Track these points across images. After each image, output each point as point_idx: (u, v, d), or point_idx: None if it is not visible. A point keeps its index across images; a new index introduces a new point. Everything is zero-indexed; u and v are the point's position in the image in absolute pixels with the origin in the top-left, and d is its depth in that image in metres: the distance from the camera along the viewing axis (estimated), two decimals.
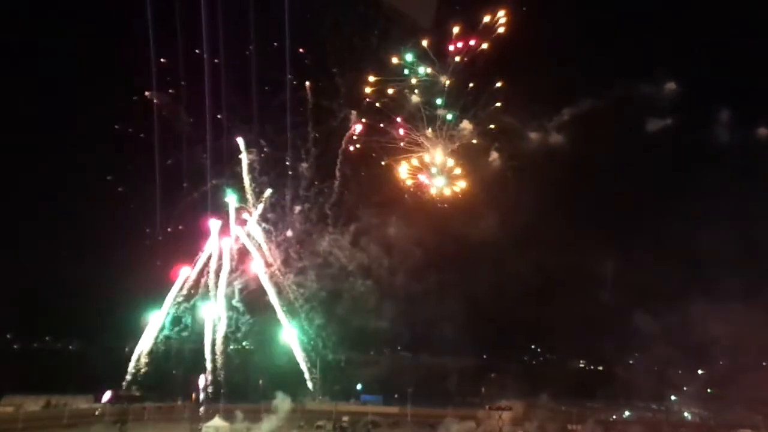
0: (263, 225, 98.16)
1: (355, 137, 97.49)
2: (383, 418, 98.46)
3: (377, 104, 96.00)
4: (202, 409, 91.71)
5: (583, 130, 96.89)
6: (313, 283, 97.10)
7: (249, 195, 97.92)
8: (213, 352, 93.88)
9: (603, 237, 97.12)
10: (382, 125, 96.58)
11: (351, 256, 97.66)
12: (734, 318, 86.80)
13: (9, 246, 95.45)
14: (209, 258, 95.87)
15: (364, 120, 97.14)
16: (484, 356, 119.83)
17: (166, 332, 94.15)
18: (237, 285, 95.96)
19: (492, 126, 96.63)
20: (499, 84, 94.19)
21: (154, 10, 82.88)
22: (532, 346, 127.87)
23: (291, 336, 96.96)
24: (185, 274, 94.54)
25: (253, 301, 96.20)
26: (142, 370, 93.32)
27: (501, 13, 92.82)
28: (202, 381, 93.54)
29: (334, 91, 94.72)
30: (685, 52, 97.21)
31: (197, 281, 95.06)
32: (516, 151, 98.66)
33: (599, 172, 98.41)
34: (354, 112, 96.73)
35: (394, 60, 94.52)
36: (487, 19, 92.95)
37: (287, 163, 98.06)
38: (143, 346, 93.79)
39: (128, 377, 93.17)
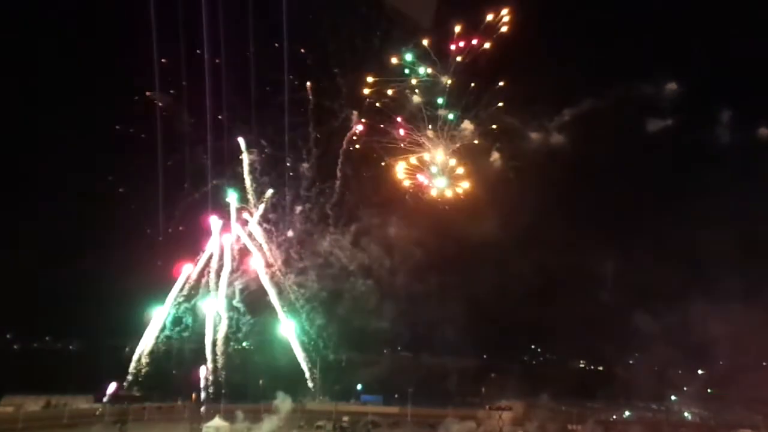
0: (264, 225, 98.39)
1: (356, 137, 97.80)
2: (383, 418, 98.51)
3: (378, 104, 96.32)
4: (203, 408, 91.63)
5: (583, 130, 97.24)
6: (313, 284, 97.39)
7: (250, 195, 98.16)
8: (214, 352, 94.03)
9: (603, 237, 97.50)
10: (383, 125, 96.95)
11: (352, 256, 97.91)
12: (734, 318, 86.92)
13: (9, 246, 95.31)
14: (210, 257, 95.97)
15: (365, 120, 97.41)
16: (485, 356, 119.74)
17: (166, 332, 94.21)
18: (238, 285, 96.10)
19: (494, 126, 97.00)
20: (500, 84, 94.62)
21: (155, 10, 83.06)
22: (533, 346, 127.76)
23: (291, 336, 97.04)
24: (187, 271, 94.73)
25: (253, 301, 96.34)
26: (143, 370, 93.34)
27: (504, 11, 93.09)
28: (202, 381, 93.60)
29: (335, 91, 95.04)
30: (685, 52, 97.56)
31: (198, 281, 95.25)
32: (517, 152, 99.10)
33: (600, 172, 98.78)
34: (355, 113, 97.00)
35: (396, 60, 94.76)
36: (490, 17, 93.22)
37: (288, 163, 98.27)
38: (144, 346, 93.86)
39: (129, 377, 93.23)
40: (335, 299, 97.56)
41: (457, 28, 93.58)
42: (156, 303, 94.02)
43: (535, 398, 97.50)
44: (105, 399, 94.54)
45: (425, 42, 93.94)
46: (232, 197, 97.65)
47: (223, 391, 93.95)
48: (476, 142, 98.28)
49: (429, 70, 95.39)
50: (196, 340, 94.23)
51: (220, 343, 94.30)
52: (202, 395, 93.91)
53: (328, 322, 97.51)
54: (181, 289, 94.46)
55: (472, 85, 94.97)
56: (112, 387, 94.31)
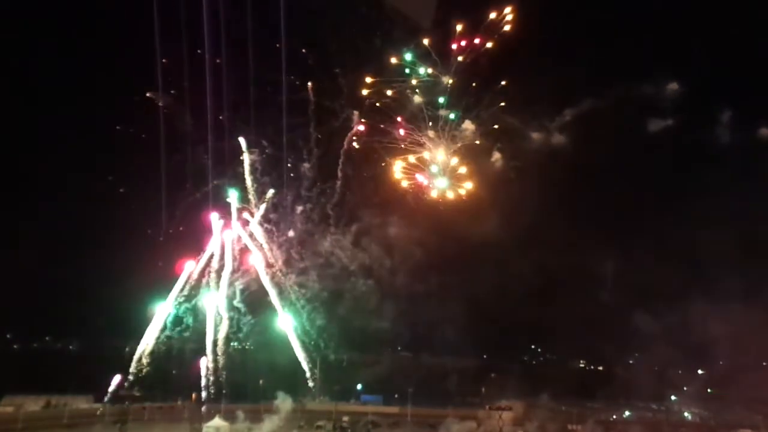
0: (265, 225, 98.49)
1: (357, 138, 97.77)
2: (383, 418, 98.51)
3: (379, 104, 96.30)
4: (203, 408, 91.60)
5: (584, 130, 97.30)
6: (314, 284, 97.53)
7: (251, 195, 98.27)
8: (214, 352, 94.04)
9: (604, 237, 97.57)
10: (384, 126, 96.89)
11: (352, 256, 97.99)
12: (734, 318, 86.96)
13: (9, 246, 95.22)
14: (211, 257, 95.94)
15: (365, 120, 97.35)
16: (485, 356, 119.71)
17: (167, 332, 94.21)
18: (238, 285, 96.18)
19: (495, 126, 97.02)
20: (502, 83, 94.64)
21: (156, 10, 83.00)
22: (533, 346, 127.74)
23: (291, 336, 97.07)
24: (189, 268, 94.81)
25: (254, 301, 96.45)
26: (143, 370, 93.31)
27: (507, 9, 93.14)
28: (203, 380, 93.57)
29: (336, 91, 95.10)
30: (685, 52, 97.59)
31: (199, 281, 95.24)
32: (518, 152, 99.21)
33: (600, 172, 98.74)
34: (356, 113, 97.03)
35: (396, 60, 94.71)
36: (493, 16, 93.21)
37: (289, 163, 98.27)
38: (144, 346, 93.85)
39: (129, 377, 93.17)
40: (336, 299, 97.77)
41: (458, 28, 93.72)
42: (158, 301, 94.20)
43: (535, 398, 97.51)
44: (108, 393, 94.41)
45: (426, 42, 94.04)
46: (232, 197, 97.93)
47: (223, 390, 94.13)
48: (477, 142, 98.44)
49: (430, 70, 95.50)
50: (196, 340, 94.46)
51: (220, 342, 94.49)
52: (203, 395, 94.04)
53: (329, 322, 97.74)
54: (182, 289, 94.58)
55: (473, 85, 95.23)
56: (116, 379, 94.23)
